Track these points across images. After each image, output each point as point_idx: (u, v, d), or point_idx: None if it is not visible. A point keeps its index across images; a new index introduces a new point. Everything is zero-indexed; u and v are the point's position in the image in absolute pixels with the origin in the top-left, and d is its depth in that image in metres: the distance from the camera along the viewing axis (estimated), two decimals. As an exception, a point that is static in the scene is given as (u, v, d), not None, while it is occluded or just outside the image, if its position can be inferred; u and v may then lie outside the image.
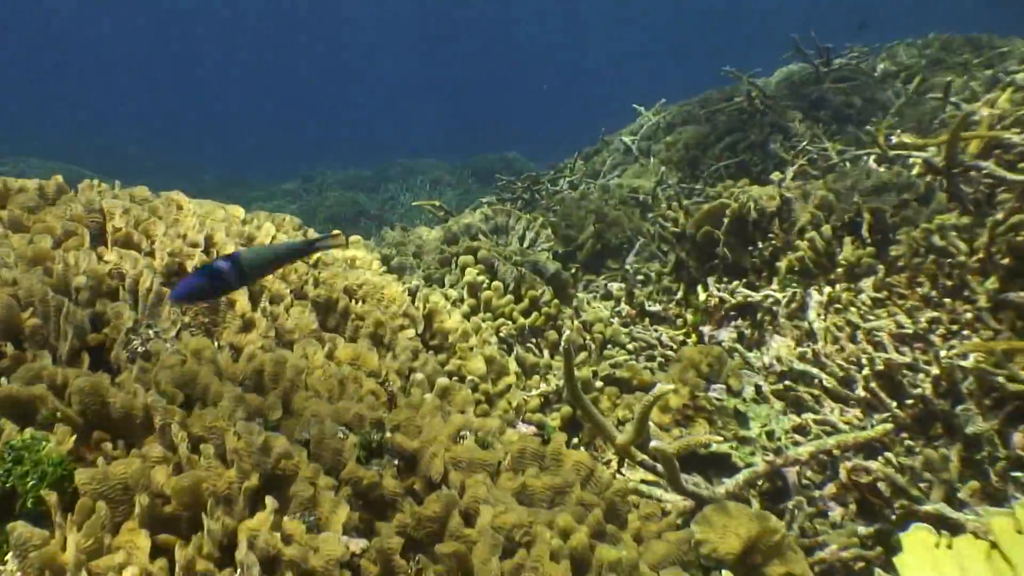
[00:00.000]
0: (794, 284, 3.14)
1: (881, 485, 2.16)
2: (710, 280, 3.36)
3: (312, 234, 3.08)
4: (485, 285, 2.87)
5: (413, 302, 2.48)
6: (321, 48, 67.91)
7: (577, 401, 2.10)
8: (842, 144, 5.70)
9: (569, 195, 5.96)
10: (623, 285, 5.19)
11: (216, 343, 1.97)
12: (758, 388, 2.84)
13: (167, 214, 2.43)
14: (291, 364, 1.76)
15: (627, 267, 5.27)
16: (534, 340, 3.05)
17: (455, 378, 2.30)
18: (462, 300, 2.86)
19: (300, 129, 50.15)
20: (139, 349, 1.76)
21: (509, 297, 2.89)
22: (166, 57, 62.95)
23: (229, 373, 1.73)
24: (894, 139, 3.92)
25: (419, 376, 2.11)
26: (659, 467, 2.18)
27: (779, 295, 3.13)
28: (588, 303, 3.57)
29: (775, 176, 5.78)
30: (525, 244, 3.53)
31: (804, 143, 5.49)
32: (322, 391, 1.80)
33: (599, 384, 2.80)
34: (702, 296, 3.32)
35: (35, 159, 17.15)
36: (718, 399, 2.72)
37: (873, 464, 2.20)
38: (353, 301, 2.38)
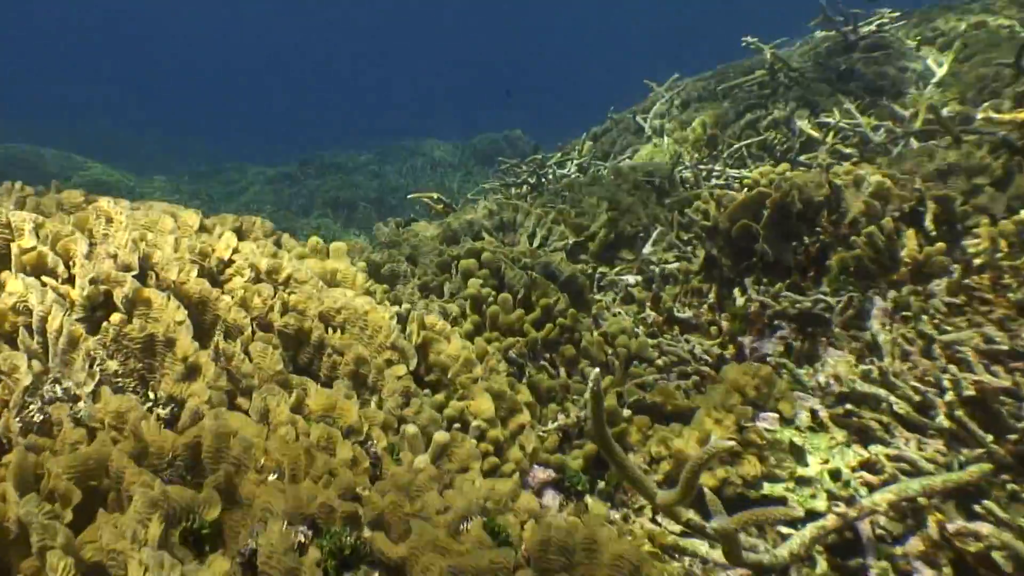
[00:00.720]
0: (849, 287, 2.70)
1: (997, 556, 1.73)
2: (747, 281, 2.91)
3: (286, 240, 2.63)
4: (491, 298, 2.43)
5: (404, 330, 2.04)
6: (320, 30, 67.00)
7: (610, 455, 1.67)
8: (876, 119, 5.23)
9: (578, 180, 5.50)
10: (639, 278, 4.76)
11: (150, 397, 1.55)
12: (814, 413, 2.41)
13: (96, 227, 1.99)
14: (239, 437, 1.33)
15: (646, 257, 4.83)
16: (548, 355, 2.63)
17: (457, 425, 1.87)
18: (464, 315, 2.42)
19: (301, 111, 49.59)
20: (36, 418, 1.33)
21: (519, 312, 2.45)
22: (166, 37, 62.14)
23: (156, 449, 1.30)
24: (979, 115, 3.43)
25: (411, 429, 1.68)
26: (709, 529, 1.76)
27: (831, 299, 2.68)
28: (608, 309, 3.12)
29: (805, 158, 5.33)
30: (536, 243, 3.08)
31: (837, 119, 5.02)
32: (283, 464, 1.38)
33: (627, 412, 2.36)
34: (739, 300, 2.88)
35: (24, 144, 16.69)
36: (769, 430, 2.29)
37: (983, 527, 1.76)
38: (330, 330, 1.95)
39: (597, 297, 3.27)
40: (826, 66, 5.95)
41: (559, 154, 7.14)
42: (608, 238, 4.94)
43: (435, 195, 4.68)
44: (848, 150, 5.06)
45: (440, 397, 1.94)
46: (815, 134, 5.41)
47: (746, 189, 3.15)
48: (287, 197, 16.59)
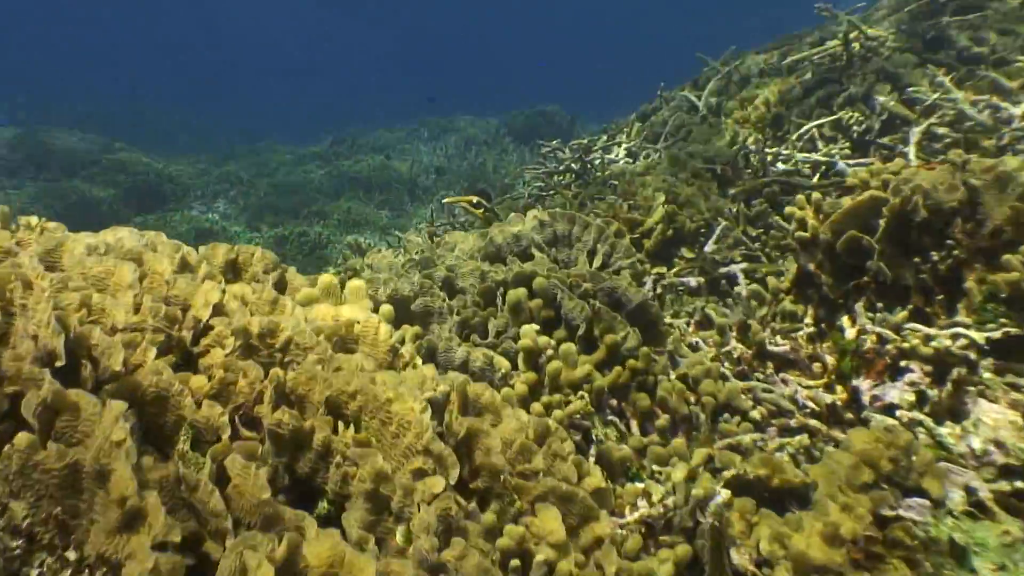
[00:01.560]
0: (1001, 317, 2.12)
1: None
2: (858, 307, 2.34)
3: (292, 276, 2.09)
4: (550, 351, 1.90)
5: (440, 421, 1.51)
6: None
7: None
8: (973, 93, 4.57)
9: (629, 168, 4.92)
10: (701, 279, 4.20)
11: (69, 559, 1.05)
12: (970, 492, 1.85)
13: (14, 291, 1.46)
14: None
15: (709, 255, 4.27)
16: (614, 402, 2.10)
17: (515, 560, 1.35)
18: (516, 368, 1.89)
19: (331, 89, 49.22)
20: None
21: (586, 367, 1.91)
22: (192, 20, 62.07)
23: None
24: None
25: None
26: None
27: (976, 335, 2.11)
28: (683, 339, 2.57)
29: (889, 139, 4.69)
30: (596, 262, 2.53)
31: (934, 96, 4.37)
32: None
33: (722, 490, 1.83)
34: (849, 331, 2.31)
35: (52, 128, 16.43)
36: (920, 522, 1.74)
37: None
38: (341, 426, 1.42)
39: (673, 325, 2.71)
40: (910, 32, 5.27)
41: (604, 137, 6.55)
42: (665, 234, 4.38)
43: (473, 199, 4.14)
44: (942, 131, 4.42)
45: (491, 517, 1.41)
46: (901, 111, 4.76)
47: (851, 194, 2.56)
48: (318, 178, 16.16)
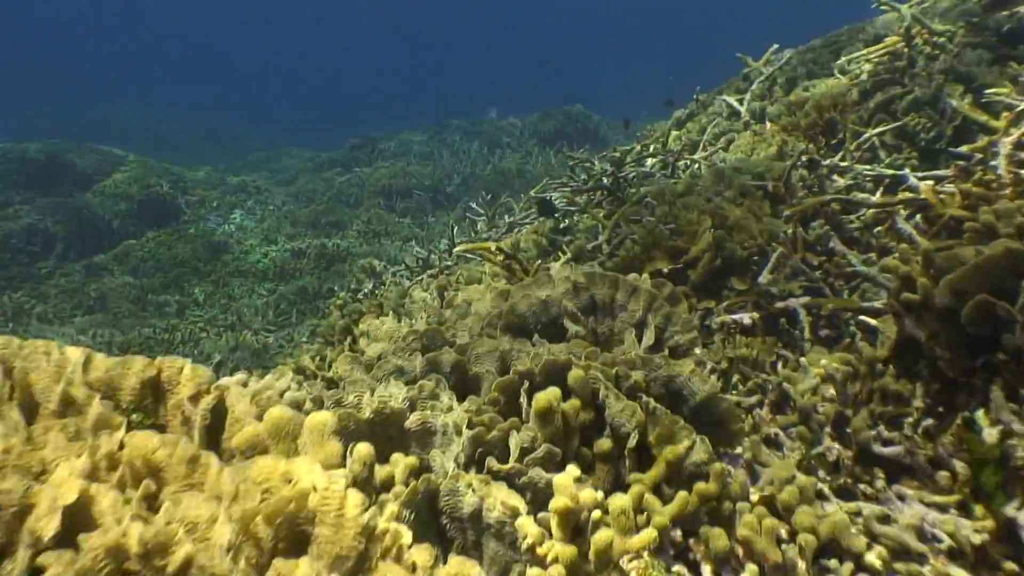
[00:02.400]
0: None
1: None
2: (995, 395, 1.80)
3: (235, 397, 1.55)
4: (599, 512, 1.36)
5: None
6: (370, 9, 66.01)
7: None
8: (1064, 97, 4.00)
9: (669, 186, 4.39)
10: (756, 315, 3.67)
11: None
12: None
13: None
14: None
15: (763, 287, 3.74)
16: (678, 535, 1.59)
17: None
18: (549, 532, 1.37)
19: (352, 91, 48.97)
20: None
21: (649, 535, 1.39)
22: (213, 24, 62.16)
23: None
24: None
25: None
26: None
27: None
28: (758, 432, 2.04)
29: (968, 148, 4.12)
30: (647, 339, 2.00)
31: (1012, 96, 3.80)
32: None
33: None
34: (988, 431, 1.76)
35: (61, 140, 16.17)
36: None
37: None
38: None
39: (743, 420, 2.16)
40: (982, 26, 4.68)
41: (637, 146, 6.01)
42: (713, 264, 3.85)
43: (492, 245, 3.65)
44: (1031, 140, 3.84)
45: None
46: (978, 116, 4.18)
47: (932, 218, 2.02)
48: (337, 186, 15.75)
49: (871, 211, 4.16)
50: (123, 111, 32.41)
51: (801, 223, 4.13)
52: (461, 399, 1.79)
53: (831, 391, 2.22)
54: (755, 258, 3.91)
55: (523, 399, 1.63)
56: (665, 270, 3.90)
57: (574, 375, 1.61)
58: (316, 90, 52.25)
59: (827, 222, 4.15)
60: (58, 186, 12.95)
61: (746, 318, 3.68)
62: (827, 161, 4.65)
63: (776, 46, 6.11)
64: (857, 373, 2.04)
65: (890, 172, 4.35)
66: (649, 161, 5.44)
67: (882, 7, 4.93)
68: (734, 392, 2.49)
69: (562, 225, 4.84)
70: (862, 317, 3.06)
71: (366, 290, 6.26)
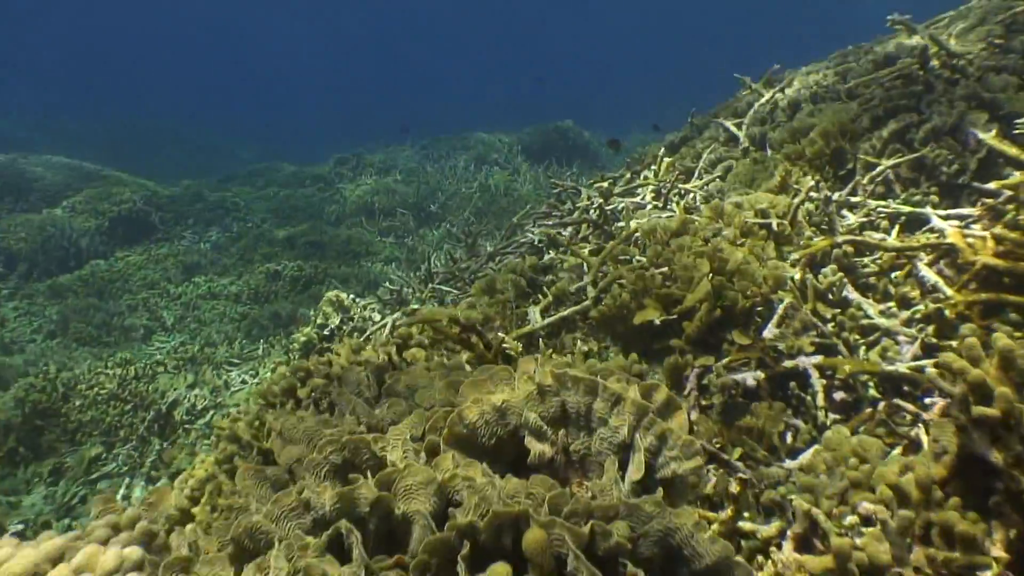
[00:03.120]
0: None
1: None
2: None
3: None
4: None
5: None
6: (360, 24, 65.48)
7: None
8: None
9: (661, 222, 3.94)
10: (760, 374, 3.24)
11: None
12: None
13: None
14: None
15: (769, 342, 3.29)
16: None
17: None
18: None
19: (343, 104, 48.52)
20: None
21: None
22: (201, 30, 61.56)
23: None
24: None
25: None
26: None
27: None
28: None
29: (997, 185, 3.68)
30: (634, 472, 1.50)
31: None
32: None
33: None
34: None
35: (47, 155, 15.63)
36: None
37: None
38: None
39: (748, 526, 1.67)
40: (1007, 48, 4.26)
41: (627, 173, 5.55)
42: (711, 315, 3.39)
43: (445, 317, 3.17)
44: (1071, 179, 3.42)
45: None
46: (1007, 149, 3.75)
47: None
48: (318, 203, 15.27)
49: (888, 254, 3.70)
50: (99, 120, 31.86)
51: (810, 267, 3.67)
52: (387, 549, 1.31)
53: (868, 506, 1.75)
54: (759, 308, 3.45)
55: (461, 569, 1.15)
56: (657, 321, 3.43)
57: (532, 538, 1.14)
58: (308, 101, 51.75)
59: (839, 266, 3.69)
60: (22, 201, 12.42)
61: (750, 378, 3.22)
62: (836, 195, 4.20)
63: (777, 66, 5.67)
64: (907, 497, 1.57)
65: (907, 209, 3.91)
66: (639, 191, 4.98)
67: (895, 27, 4.50)
68: (746, 517, 2.00)
69: (543, 260, 4.37)
70: (904, 404, 2.60)
71: (332, 326, 5.77)
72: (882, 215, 3.98)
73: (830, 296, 3.52)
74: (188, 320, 10.37)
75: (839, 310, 3.45)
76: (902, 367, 2.95)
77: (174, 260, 11.85)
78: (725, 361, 3.34)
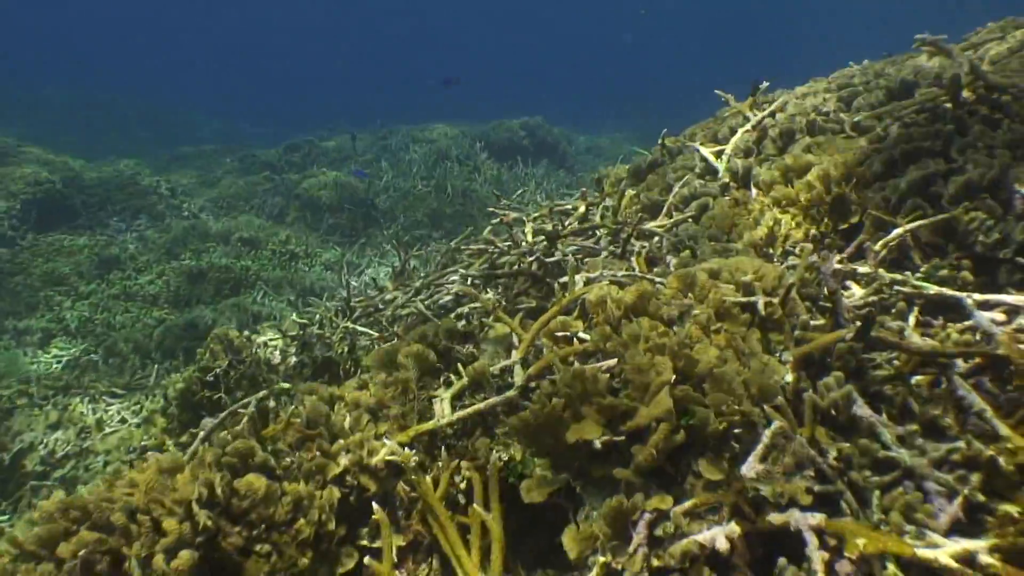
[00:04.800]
0: None
1: None
2: None
3: None
4: None
5: None
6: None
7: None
8: None
9: (614, 294, 3.00)
10: (738, 529, 2.35)
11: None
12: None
13: None
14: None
15: (748, 482, 2.37)
16: None
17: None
18: None
19: (312, 85, 46.93)
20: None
21: None
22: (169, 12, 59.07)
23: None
24: None
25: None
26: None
27: None
28: None
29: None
30: None
31: None
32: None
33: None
34: None
35: None
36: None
37: None
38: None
39: None
40: (1061, 87, 3.36)
41: (581, 205, 4.57)
42: (672, 440, 2.46)
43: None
44: None
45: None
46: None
47: None
48: (260, 194, 14.14)
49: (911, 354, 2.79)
50: (38, 89, 30.23)
51: (808, 370, 2.75)
52: None
53: None
54: (736, 431, 2.52)
55: None
56: (598, 443, 2.48)
57: None
58: (281, 76, 49.95)
59: (844, 367, 2.77)
60: (-80, 181, 11.17)
61: (721, 538, 2.32)
62: (837, 259, 3.29)
63: (766, 83, 4.73)
64: None
65: (933, 290, 3.00)
66: (600, 235, 4.02)
67: (923, 48, 3.58)
68: None
69: (462, 324, 3.41)
70: None
71: (219, 370, 4.76)
72: (899, 295, 3.06)
73: (834, 412, 2.60)
74: (95, 324, 9.27)
75: (845, 440, 2.53)
76: (943, 556, 2.03)
77: (89, 252, 10.70)
78: (688, 505, 2.42)
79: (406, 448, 2.81)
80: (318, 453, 2.85)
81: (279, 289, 10.10)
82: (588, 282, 3.54)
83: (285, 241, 11.32)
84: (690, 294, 2.97)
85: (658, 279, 3.34)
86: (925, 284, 3.05)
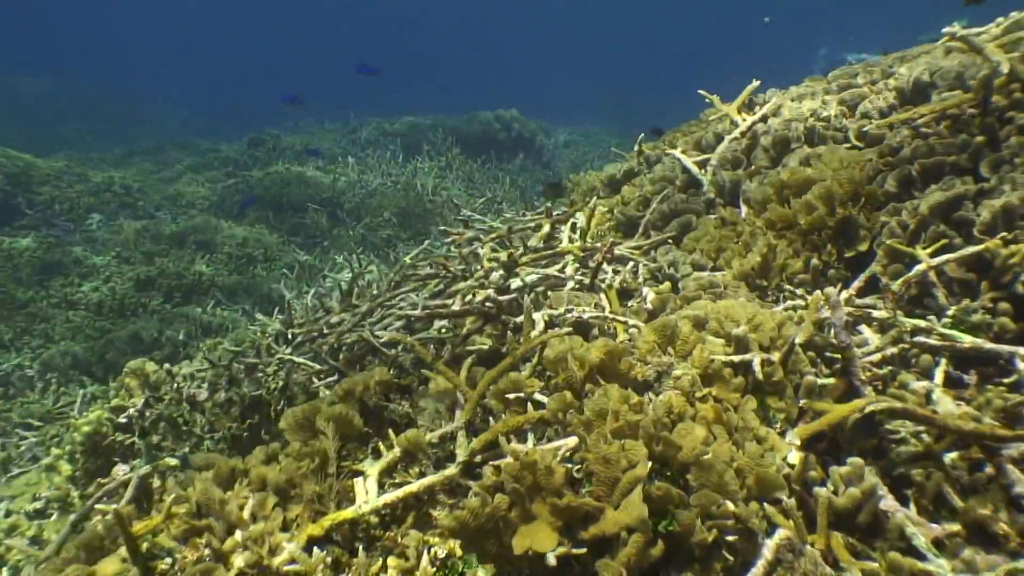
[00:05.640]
0: None
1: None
2: None
3: None
4: None
5: None
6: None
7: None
8: None
9: (576, 346, 2.43)
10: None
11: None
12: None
13: None
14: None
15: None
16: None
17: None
18: None
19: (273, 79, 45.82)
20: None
21: None
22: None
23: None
24: None
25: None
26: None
27: None
28: None
29: None
30: None
31: None
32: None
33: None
34: None
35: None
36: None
37: None
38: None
39: None
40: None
41: (546, 224, 3.98)
42: (647, 554, 1.90)
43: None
44: None
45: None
46: None
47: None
48: (221, 191, 13.45)
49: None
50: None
51: (817, 453, 2.20)
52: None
53: None
54: (730, 538, 1.96)
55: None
56: (552, 557, 1.91)
57: None
58: (253, 66, 48.79)
59: (856, 439, 2.22)
60: None
61: None
62: (846, 298, 2.75)
63: (757, 82, 4.17)
64: None
65: (967, 342, 2.46)
66: (566, 266, 3.45)
67: (950, 43, 3.03)
68: None
69: (400, 379, 2.84)
70: None
71: (133, 410, 4.16)
72: (919, 344, 2.52)
73: (854, 513, 2.05)
74: (33, 336, 8.61)
75: (868, 545, 1.98)
76: None
77: (31, 256, 9.99)
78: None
79: (316, 549, 2.23)
80: (207, 552, 2.27)
81: (234, 296, 9.47)
82: (550, 323, 2.98)
83: (243, 244, 10.66)
84: (670, 349, 2.41)
85: (632, 321, 2.78)
86: (955, 333, 2.51)
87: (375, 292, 5.23)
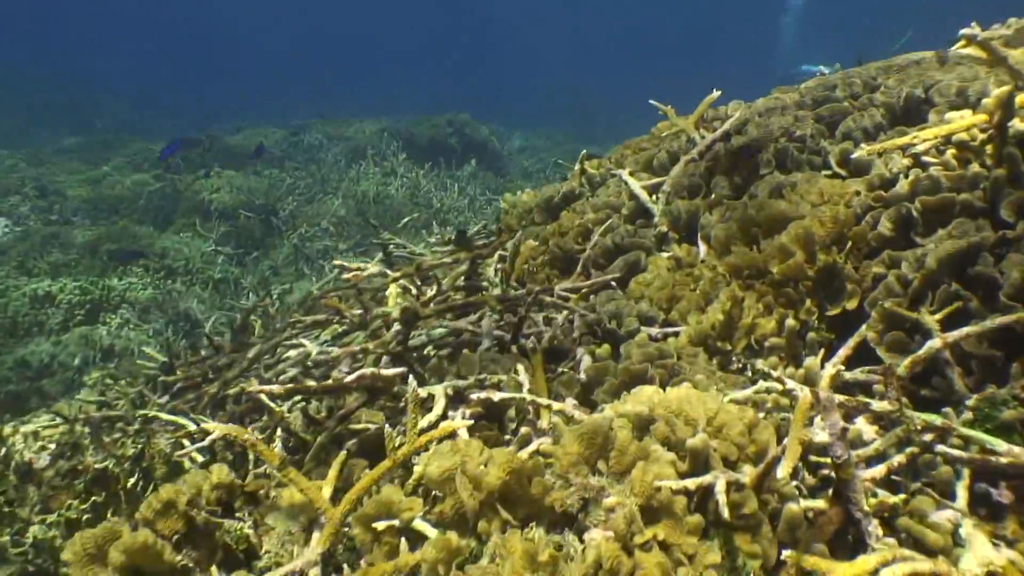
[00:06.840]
0: None
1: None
2: None
3: None
4: None
5: None
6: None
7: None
8: None
9: (465, 469, 1.72)
10: None
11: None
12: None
13: None
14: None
15: None
16: None
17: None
18: None
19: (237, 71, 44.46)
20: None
21: None
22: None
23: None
24: None
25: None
26: None
27: None
28: None
29: None
30: None
31: None
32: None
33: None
34: None
35: None
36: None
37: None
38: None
39: None
40: None
41: (465, 261, 3.26)
42: None
43: None
44: None
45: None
46: None
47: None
48: (147, 195, 12.52)
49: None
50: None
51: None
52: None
53: None
54: None
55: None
56: None
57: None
58: (204, 61, 47.15)
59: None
60: None
61: None
62: (833, 383, 2.10)
63: (718, 93, 3.53)
64: None
65: (1003, 449, 1.82)
66: (483, 317, 2.76)
67: (963, 49, 2.40)
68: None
69: (233, 476, 2.12)
70: None
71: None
72: (935, 450, 1.88)
73: None
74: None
75: None
76: None
77: (-81, 267, 9.03)
78: None
79: None
80: None
81: (146, 314, 8.59)
82: (454, 393, 2.30)
83: (162, 255, 9.79)
84: (601, 463, 1.73)
85: (557, 406, 2.10)
86: (979, 435, 1.88)
87: (279, 326, 4.51)
